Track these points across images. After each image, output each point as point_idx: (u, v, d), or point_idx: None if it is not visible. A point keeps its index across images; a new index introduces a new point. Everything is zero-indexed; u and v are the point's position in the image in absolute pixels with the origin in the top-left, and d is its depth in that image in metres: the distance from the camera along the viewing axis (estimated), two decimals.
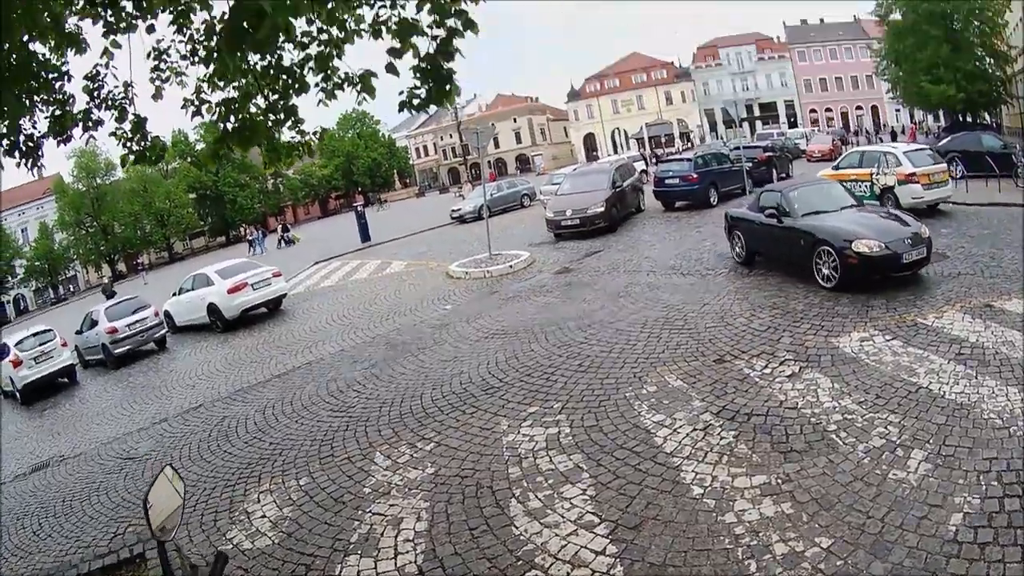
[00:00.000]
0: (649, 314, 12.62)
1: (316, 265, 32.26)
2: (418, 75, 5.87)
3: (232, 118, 6.22)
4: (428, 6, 6.06)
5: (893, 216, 13.50)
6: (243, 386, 14.04)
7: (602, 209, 23.36)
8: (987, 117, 58.58)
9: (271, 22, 4.40)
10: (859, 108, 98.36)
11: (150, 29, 7.37)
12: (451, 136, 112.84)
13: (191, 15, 7.58)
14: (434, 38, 5.87)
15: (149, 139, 7.44)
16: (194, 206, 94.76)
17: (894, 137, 55.16)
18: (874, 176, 20.02)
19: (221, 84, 6.73)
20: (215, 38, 7.05)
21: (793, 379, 8.59)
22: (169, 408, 13.97)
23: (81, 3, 7.16)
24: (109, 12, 7.03)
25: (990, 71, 47.55)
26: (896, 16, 48.39)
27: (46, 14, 5.86)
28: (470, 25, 5.81)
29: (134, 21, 7.15)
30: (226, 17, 5.18)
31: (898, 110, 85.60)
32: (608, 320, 12.70)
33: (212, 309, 20.89)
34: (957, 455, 6.34)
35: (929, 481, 6.00)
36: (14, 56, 5.70)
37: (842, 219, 13.08)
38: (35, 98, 6.68)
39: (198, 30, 7.73)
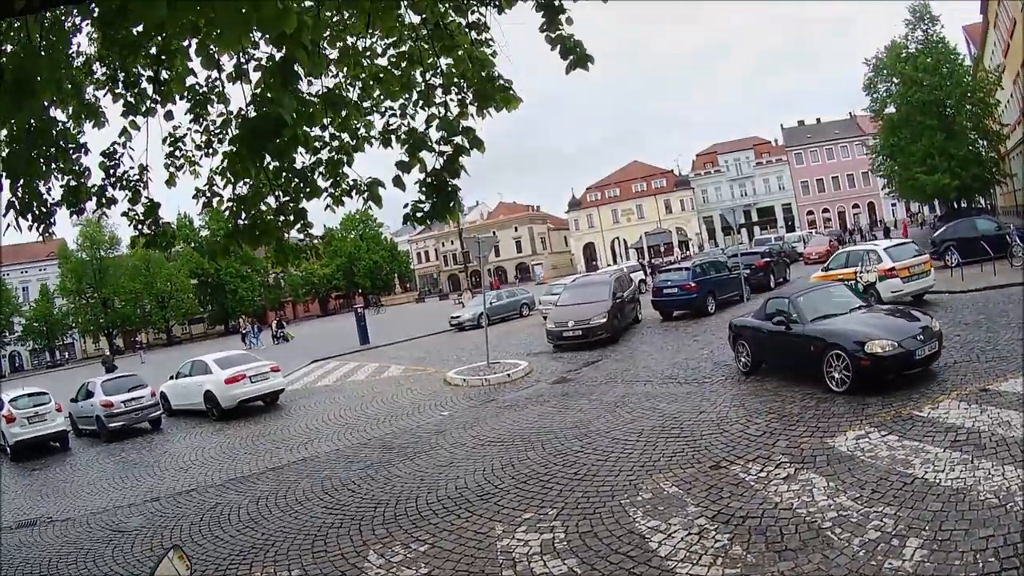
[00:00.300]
0: (645, 423, 12.61)
1: (314, 363, 32.43)
2: (423, 189, 6.04)
3: (243, 215, 6.43)
4: (436, 122, 6.30)
5: (902, 313, 13.64)
6: (237, 475, 14.14)
7: (605, 320, 23.32)
8: (981, 201, 59.17)
9: (291, 131, 4.64)
10: (856, 206, 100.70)
11: (168, 115, 7.69)
12: (452, 243, 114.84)
13: (208, 106, 7.90)
14: (441, 154, 6.05)
15: (160, 225, 7.65)
16: (195, 292, 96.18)
17: (887, 233, 55.50)
18: (858, 274, 20.71)
19: (234, 179, 6.96)
20: (231, 135, 7.35)
21: (788, 481, 8.59)
22: (161, 488, 14.12)
23: (99, 74, 7.49)
24: (129, 92, 7.33)
25: (983, 153, 47.79)
26: (891, 110, 49.01)
27: (68, 82, 6.13)
28: (477, 144, 6.02)
29: (153, 105, 7.45)
30: (246, 119, 5.42)
31: (894, 204, 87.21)
32: (604, 429, 12.68)
33: (209, 397, 21.00)
34: (953, 538, 6.39)
35: (925, 566, 6.04)
36: (33, 120, 5.92)
37: (852, 321, 13.07)
38: (52, 165, 6.88)
39: (214, 121, 8.04)
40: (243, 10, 3.14)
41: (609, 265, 79.93)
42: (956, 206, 50.56)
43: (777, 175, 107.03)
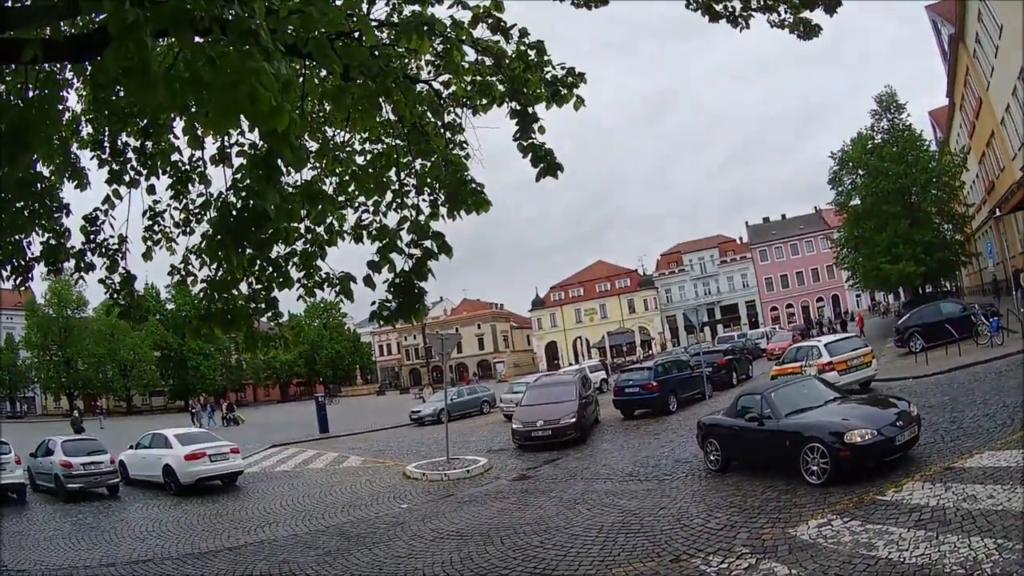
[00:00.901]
0: (605, 519, 12.60)
1: (273, 448, 32.08)
2: (391, 289, 6.23)
3: (216, 299, 6.50)
4: (408, 224, 6.50)
5: (878, 401, 13.80)
6: (194, 551, 14.03)
7: (574, 420, 22.94)
8: (946, 284, 59.88)
9: (274, 225, 4.79)
10: (820, 299, 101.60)
11: (150, 189, 7.85)
12: (415, 337, 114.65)
13: (190, 184, 8.05)
14: (410, 256, 6.27)
15: (135, 296, 7.71)
16: (157, 364, 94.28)
17: (844, 326, 56.02)
18: (803, 368, 22.07)
19: (209, 262, 7.05)
20: (209, 216, 7.47)
21: (750, 571, 8.62)
22: (118, 554, 14.00)
23: (84, 134, 7.62)
24: (115, 160, 7.46)
25: (949, 237, 48.06)
26: (856, 202, 49.15)
27: (56, 138, 6.25)
28: (445, 249, 6.26)
29: (137, 177, 7.58)
30: (230, 208, 5.55)
31: (859, 295, 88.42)
32: (564, 525, 12.64)
33: (168, 471, 20.81)
34: None
35: None
36: (20, 173, 6.00)
37: (827, 413, 13.09)
38: (35, 220, 6.95)
39: (193, 201, 8.18)
40: (239, 102, 3.26)
41: (571, 364, 79.97)
42: (921, 291, 50.98)
43: (741, 272, 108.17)
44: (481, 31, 7.53)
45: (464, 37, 7.28)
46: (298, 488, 20.83)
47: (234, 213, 5.23)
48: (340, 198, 8.26)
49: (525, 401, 26.03)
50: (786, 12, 7.94)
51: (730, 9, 8.00)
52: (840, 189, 50.03)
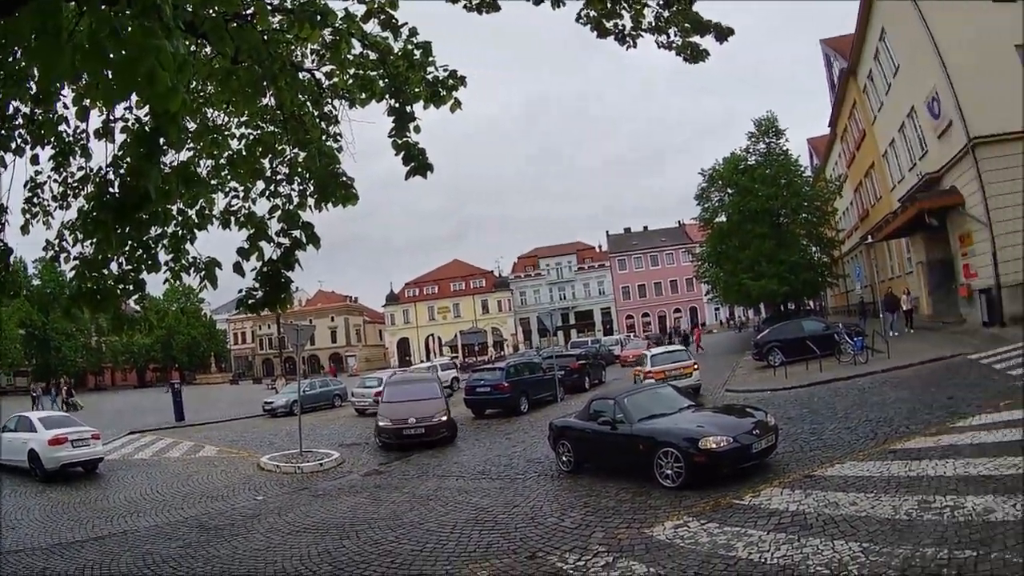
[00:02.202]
0: (459, 516, 12.77)
1: (131, 435, 31.14)
2: (259, 278, 6.25)
3: (87, 278, 6.36)
4: (279, 213, 6.58)
5: (734, 411, 14.30)
6: (62, 541, 13.71)
7: (446, 418, 22.62)
8: (810, 303, 61.30)
9: (154, 207, 4.82)
10: (677, 311, 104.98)
11: (34, 159, 7.55)
12: (269, 327, 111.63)
13: (71, 157, 7.82)
14: (279, 245, 6.32)
15: (9, 270, 7.48)
16: (22, 343, 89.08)
17: (685, 340, 56.67)
18: (635, 375, 27.30)
19: (83, 238, 6.91)
20: (87, 191, 7.31)
21: (607, 568, 8.71)
22: None
23: None
24: (3, 126, 7.20)
25: (815, 258, 49.88)
26: (722, 219, 49.79)
27: None
28: (313, 240, 6.33)
29: (23, 145, 7.33)
30: (112, 189, 5.52)
31: (717, 308, 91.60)
32: (418, 521, 12.78)
33: (33, 456, 20.02)
34: None
35: None
36: None
37: (682, 420, 13.45)
38: None
39: (73, 174, 7.94)
40: (137, 79, 3.23)
41: (422, 361, 79.75)
42: (784, 308, 52.61)
43: (599, 280, 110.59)
44: (371, 26, 7.63)
45: (354, 30, 7.37)
46: (156, 477, 20.41)
47: (113, 191, 5.21)
48: (212, 182, 8.22)
49: (387, 398, 24.79)
50: (675, 35, 8.13)
51: (620, 27, 8.15)
52: (707, 205, 50.73)
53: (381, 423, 22.88)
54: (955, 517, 8.10)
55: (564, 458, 15.67)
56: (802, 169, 51.71)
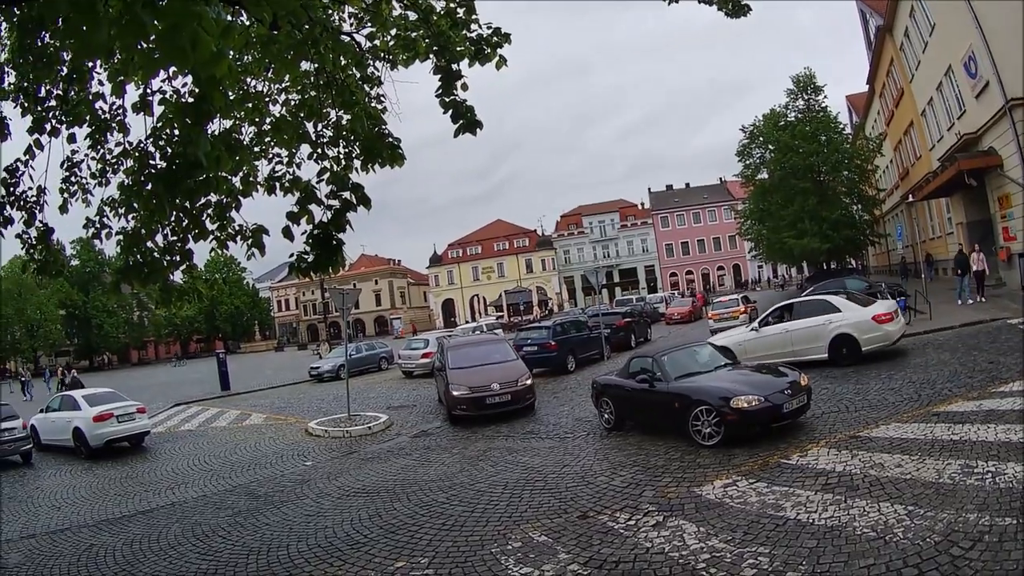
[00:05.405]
0: (509, 476, 12.73)
1: (176, 407, 31.70)
2: (310, 241, 6.16)
3: (134, 252, 6.34)
4: (328, 175, 6.47)
5: (769, 370, 14.14)
6: (109, 517, 13.76)
7: (531, 381, 20.11)
8: (852, 261, 60.96)
9: (204, 173, 4.73)
10: (720, 268, 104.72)
11: (71, 138, 7.54)
12: (313, 293, 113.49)
13: (108, 133, 7.77)
14: (329, 208, 6.20)
15: (52, 250, 7.49)
16: (63, 323, 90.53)
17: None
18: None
19: (130, 211, 6.88)
20: (126, 166, 7.26)
21: (658, 528, 8.69)
22: (36, 524, 13.72)
23: (6, 84, 7.31)
24: (38, 108, 7.18)
25: (857, 216, 49.55)
26: (763, 175, 50.01)
27: None
28: (364, 201, 6.20)
29: (58, 125, 7.31)
30: (164, 157, 5.45)
31: (760, 267, 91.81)
32: (469, 482, 12.76)
33: (77, 434, 20.33)
34: (832, 570, 6.68)
35: None
36: None
37: (717, 378, 13.48)
38: None
39: (111, 151, 7.90)
40: (181, 47, 3.14)
41: (467, 322, 79.92)
42: (825, 267, 51.95)
43: (642, 237, 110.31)
44: None
45: None
46: (203, 448, 20.61)
47: (162, 162, 5.15)
48: (256, 148, 8.16)
49: (455, 363, 20.84)
50: None
51: None
52: (748, 162, 50.61)
53: (456, 392, 19.37)
54: (996, 484, 8.09)
55: (606, 415, 15.77)
56: (842, 126, 51.01)
